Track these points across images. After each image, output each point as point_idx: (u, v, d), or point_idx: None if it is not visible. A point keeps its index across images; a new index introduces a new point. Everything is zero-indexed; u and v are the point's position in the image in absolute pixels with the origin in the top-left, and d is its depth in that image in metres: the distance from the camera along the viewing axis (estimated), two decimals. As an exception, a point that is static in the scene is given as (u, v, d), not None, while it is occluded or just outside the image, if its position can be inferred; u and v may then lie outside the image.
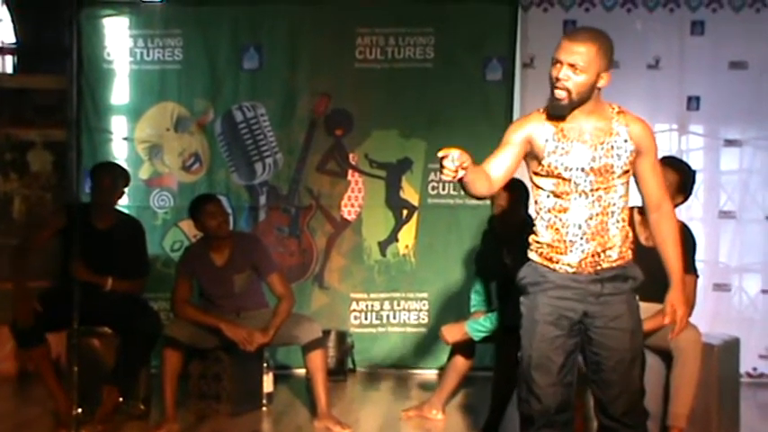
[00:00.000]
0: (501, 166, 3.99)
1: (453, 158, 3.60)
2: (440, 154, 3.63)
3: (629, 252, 4.07)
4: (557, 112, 3.95)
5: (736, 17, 7.47)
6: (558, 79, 3.87)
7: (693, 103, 7.56)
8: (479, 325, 5.86)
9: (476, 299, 6.16)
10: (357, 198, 7.78)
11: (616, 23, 7.44)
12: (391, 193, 7.77)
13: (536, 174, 4.05)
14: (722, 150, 7.62)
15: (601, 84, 3.92)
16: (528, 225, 4.26)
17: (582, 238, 3.97)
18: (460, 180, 3.70)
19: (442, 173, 3.64)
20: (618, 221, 4.01)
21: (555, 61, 3.89)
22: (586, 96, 3.91)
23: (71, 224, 5.96)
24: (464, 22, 7.62)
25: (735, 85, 7.49)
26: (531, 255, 4.12)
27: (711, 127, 7.65)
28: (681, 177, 5.39)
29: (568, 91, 3.87)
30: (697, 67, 7.54)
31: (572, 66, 3.85)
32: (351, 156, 7.77)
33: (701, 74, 7.54)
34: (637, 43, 7.50)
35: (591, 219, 3.97)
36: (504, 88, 7.61)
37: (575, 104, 3.91)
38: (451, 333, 6.03)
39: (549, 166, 3.97)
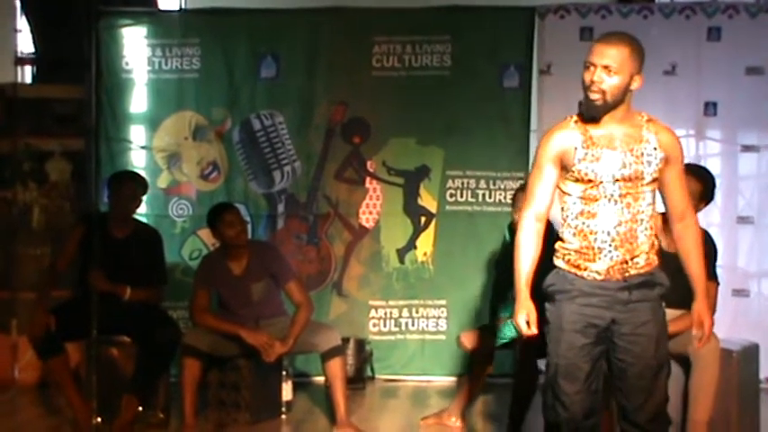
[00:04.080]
0: (545, 196, 4.06)
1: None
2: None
3: (656, 258, 4.06)
4: (592, 114, 3.96)
5: (753, 23, 7.48)
6: (592, 82, 3.89)
7: (710, 108, 7.55)
8: (498, 332, 5.86)
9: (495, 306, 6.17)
10: (375, 205, 7.79)
11: (632, 30, 7.29)
12: (409, 201, 7.78)
13: (565, 179, 4.05)
14: (740, 156, 7.63)
15: (634, 86, 3.95)
16: (548, 232, 4.24)
17: (611, 245, 3.96)
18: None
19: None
20: (646, 229, 3.99)
21: (588, 65, 3.91)
22: (620, 99, 3.93)
23: (89, 234, 5.99)
24: (481, 30, 7.63)
25: (752, 91, 7.49)
26: (558, 262, 4.10)
27: (728, 132, 7.65)
28: (703, 186, 5.38)
29: (603, 93, 3.89)
30: (714, 73, 7.53)
31: (606, 68, 3.88)
32: (368, 163, 7.78)
33: (718, 79, 7.54)
34: (653, 49, 7.41)
35: (620, 225, 3.95)
36: (522, 95, 7.62)
37: (609, 107, 3.92)
38: (470, 340, 6.02)
39: (578, 173, 3.97)
